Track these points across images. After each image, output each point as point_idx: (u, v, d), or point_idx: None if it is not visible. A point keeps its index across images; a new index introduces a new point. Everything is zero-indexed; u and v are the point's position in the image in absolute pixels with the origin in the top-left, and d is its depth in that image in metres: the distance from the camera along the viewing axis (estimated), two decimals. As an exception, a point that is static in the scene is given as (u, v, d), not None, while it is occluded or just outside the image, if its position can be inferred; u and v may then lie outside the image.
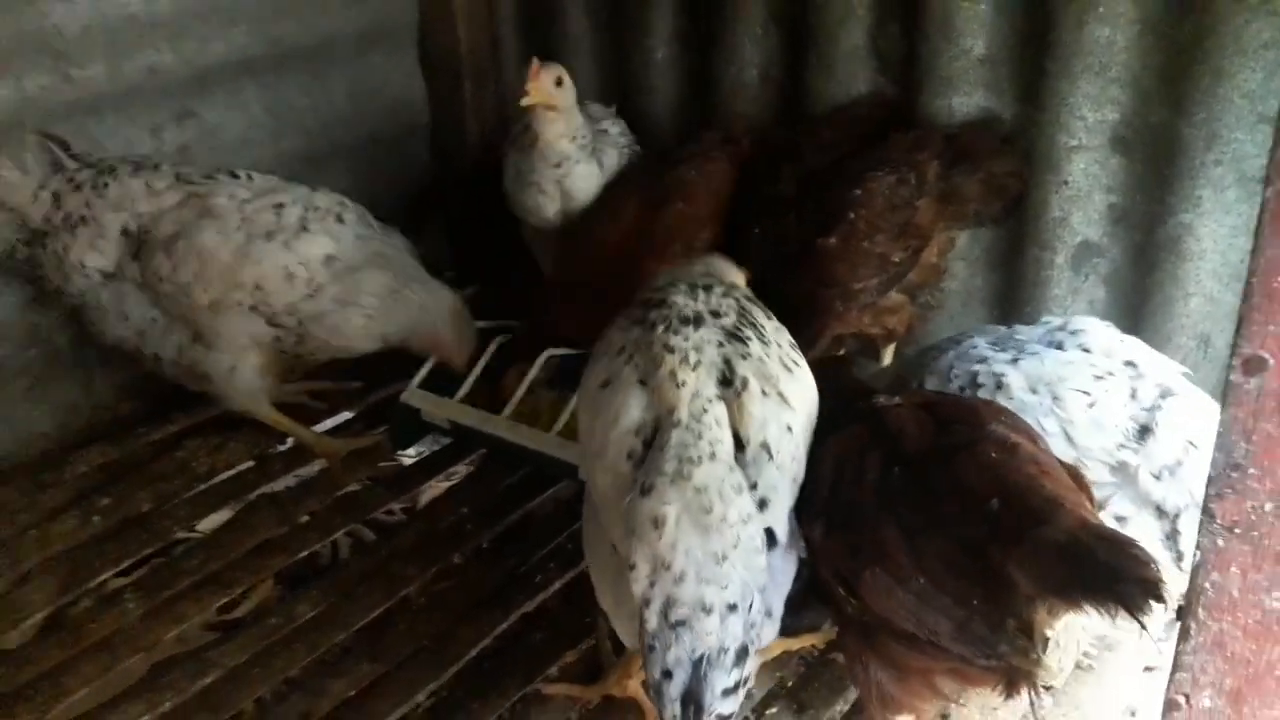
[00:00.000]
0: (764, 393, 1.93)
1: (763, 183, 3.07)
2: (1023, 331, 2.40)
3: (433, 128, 4.18)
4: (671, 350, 1.94)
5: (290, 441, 3.26)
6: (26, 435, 3.21)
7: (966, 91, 3.09)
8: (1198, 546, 1.28)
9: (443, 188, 4.20)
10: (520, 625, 2.60)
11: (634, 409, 1.92)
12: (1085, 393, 2.18)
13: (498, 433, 3.05)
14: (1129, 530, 2.13)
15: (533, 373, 3.12)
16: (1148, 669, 2.54)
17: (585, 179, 3.24)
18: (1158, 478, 2.13)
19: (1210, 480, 1.26)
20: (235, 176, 2.94)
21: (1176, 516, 2.13)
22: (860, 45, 3.23)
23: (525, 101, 3.02)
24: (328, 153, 3.83)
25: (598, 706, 2.36)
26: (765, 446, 1.89)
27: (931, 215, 3.00)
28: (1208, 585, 1.28)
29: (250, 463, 3.18)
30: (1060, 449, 2.11)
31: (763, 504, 1.87)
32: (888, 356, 3.34)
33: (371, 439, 3.25)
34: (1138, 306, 3.08)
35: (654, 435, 1.89)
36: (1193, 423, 2.16)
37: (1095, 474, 2.15)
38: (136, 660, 2.50)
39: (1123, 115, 2.89)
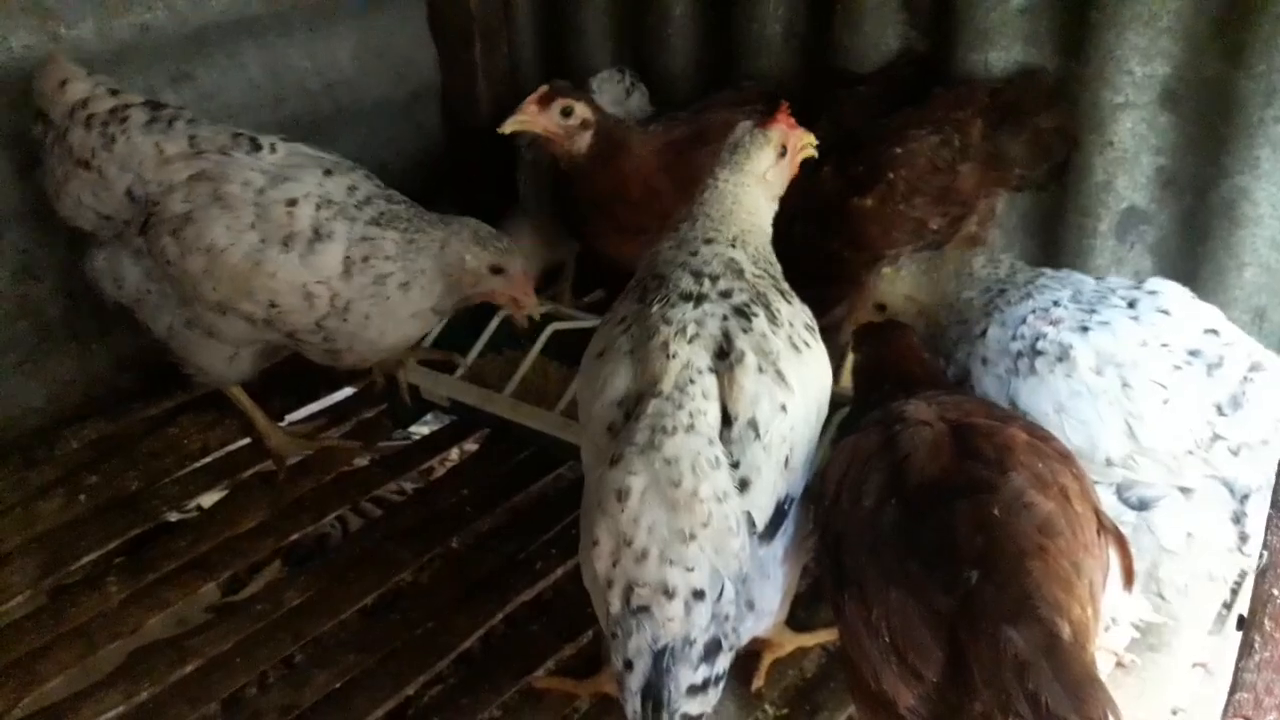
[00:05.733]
0: (760, 368, 1.79)
1: None
2: (1098, 285, 2.20)
3: (443, 91, 4.01)
4: (669, 322, 1.82)
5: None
6: (19, 411, 3.08)
7: (1004, 45, 2.88)
8: (1265, 547, 1.09)
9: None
10: (516, 616, 2.45)
11: (620, 380, 1.81)
12: (1161, 385, 1.97)
13: (499, 412, 2.88)
14: (1195, 501, 1.97)
15: (536, 348, 2.95)
16: (1197, 665, 2.36)
17: None
18: (1235, 453, 1.94)
19: (1280, 473, 1.07)
20: (257, 147, 2.62)
21: (1245, 498, 1.96)
22: (889, -3, 3.03)
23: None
24: (332, 116, 3.67)
25: (596, 705, 2.20)
26: (753, 424, 1.76)
27: (975, 181, 2.80)
28: (1277, 592, 1.08)
29: (245, 440, 3.04)
30: (1119, 442, 1.95)
31: (743, 484, 1.73)
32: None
33: (334, 443, 3.02)
34: (1187, 278, 2.82)
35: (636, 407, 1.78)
36: None
37: (1148, 473, 1.97)
38: (115, 647, 2.38)
39: (1174, 69, 2.67)
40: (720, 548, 1.67)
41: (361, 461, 3.02)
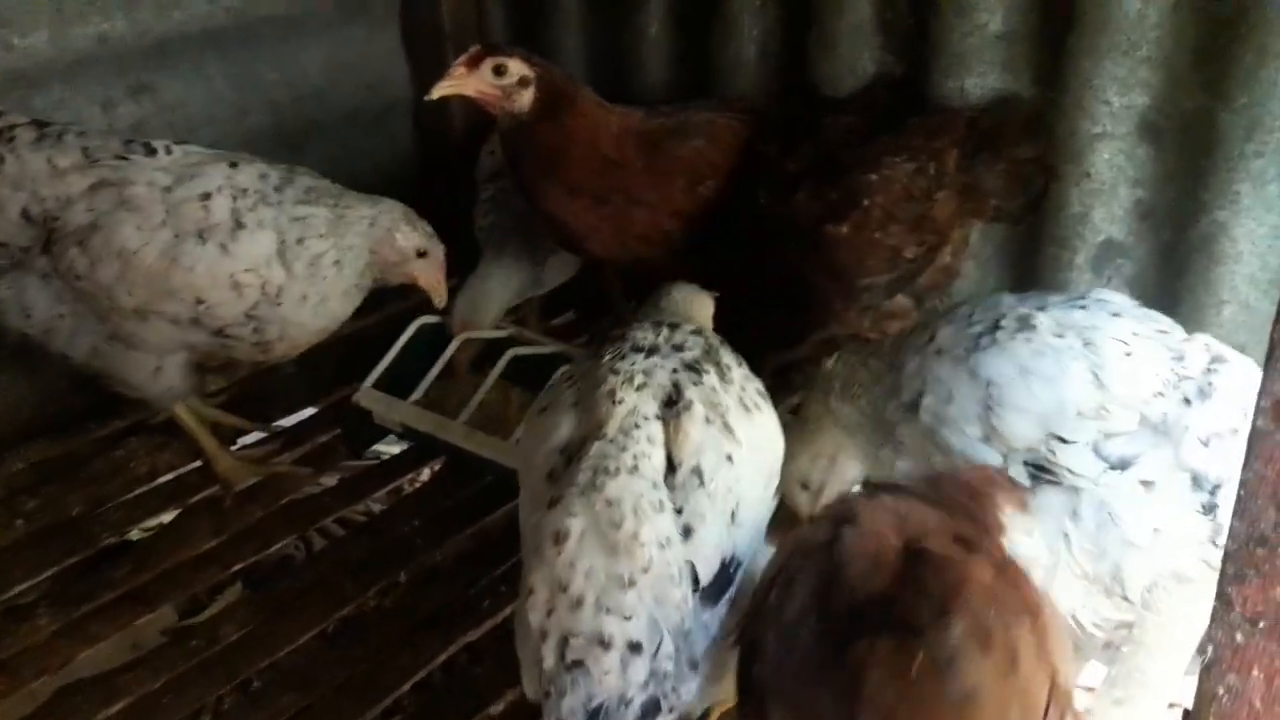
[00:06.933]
0: (708, 419, 1.75)
1: (776, 154, 2.76)
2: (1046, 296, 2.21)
3: (416, 106, 3.93)
4: (616, 373, 1.79)
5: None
6: (-35, 429, 3.01)
7: (981, 72, 2.79)
8: (1209, 640, 1.00)
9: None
10: (462, 655, 2.37)
11: (563, 430, 1.75)
12: (1123, 342, 1.98)
13: (452, 439, 2.80)
14: (1157, 494, 1.92)
15: (494, 374, 2.87)
16: (1172, 705, 2.29)
17: None
18: (1205, 444, 1.92)
19: (1228, 556, 0.99)
20: (152, 151, 2.57)
21: (1216, 489, 1.91)
22: (865, 20, 2.94)
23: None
24: (301, 129, 3.59)
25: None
26: (698, 471, 1.70)
27: (950, 211, 2.72)
28: (1221, 690, 1.00)
29: (195, 464, 2.95)
30: (1087, 393, 1.93)
31: (687, 532, 1.66)
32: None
33: (285, 469, 2.94)
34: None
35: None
36: (1249, 392, 1.92)
37: (1122, 421, 1.95)
38: (42, 684, 2.29)
39: (1153, 99, 2.59)
40: (661, 597, 1.59)
41: (330, 481, 2.94)
